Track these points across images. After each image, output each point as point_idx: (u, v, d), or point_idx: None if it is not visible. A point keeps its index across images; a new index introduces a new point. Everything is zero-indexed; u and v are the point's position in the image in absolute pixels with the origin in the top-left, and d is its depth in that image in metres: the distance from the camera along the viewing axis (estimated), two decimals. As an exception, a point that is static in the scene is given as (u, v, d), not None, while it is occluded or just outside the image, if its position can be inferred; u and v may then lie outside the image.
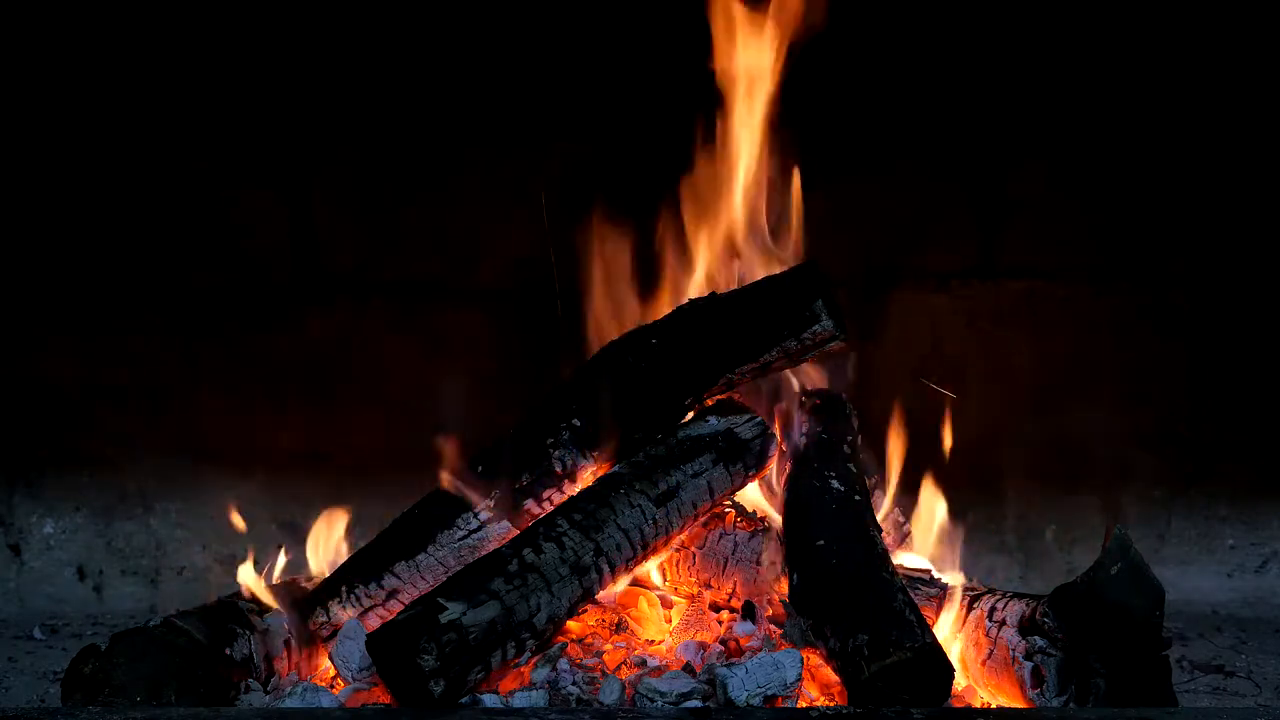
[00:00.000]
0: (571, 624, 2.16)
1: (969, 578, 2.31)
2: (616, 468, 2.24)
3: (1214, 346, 3.11)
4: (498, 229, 3.05)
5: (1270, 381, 3.12)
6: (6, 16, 2.94)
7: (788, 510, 2.26)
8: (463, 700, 1.92)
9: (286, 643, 2.18)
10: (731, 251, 2.53)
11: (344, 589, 2.26)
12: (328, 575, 2.33)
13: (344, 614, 2.24)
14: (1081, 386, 3.10)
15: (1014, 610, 2.05)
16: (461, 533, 2.25)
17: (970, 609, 2.14)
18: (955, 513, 2.44)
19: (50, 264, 3.06)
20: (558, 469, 2.28)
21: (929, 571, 2.30)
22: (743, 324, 2.27)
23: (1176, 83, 3.03)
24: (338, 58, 3.01)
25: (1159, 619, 1.92)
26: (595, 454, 2.28)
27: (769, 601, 2.27)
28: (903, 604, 1.95)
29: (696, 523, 2.29)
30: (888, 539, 2.29)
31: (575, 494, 2.23)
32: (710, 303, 2.34)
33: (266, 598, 2.22)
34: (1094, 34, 3.01)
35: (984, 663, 2.07)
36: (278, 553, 2.42)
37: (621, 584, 2.26)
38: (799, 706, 1.94)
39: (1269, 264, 3.09)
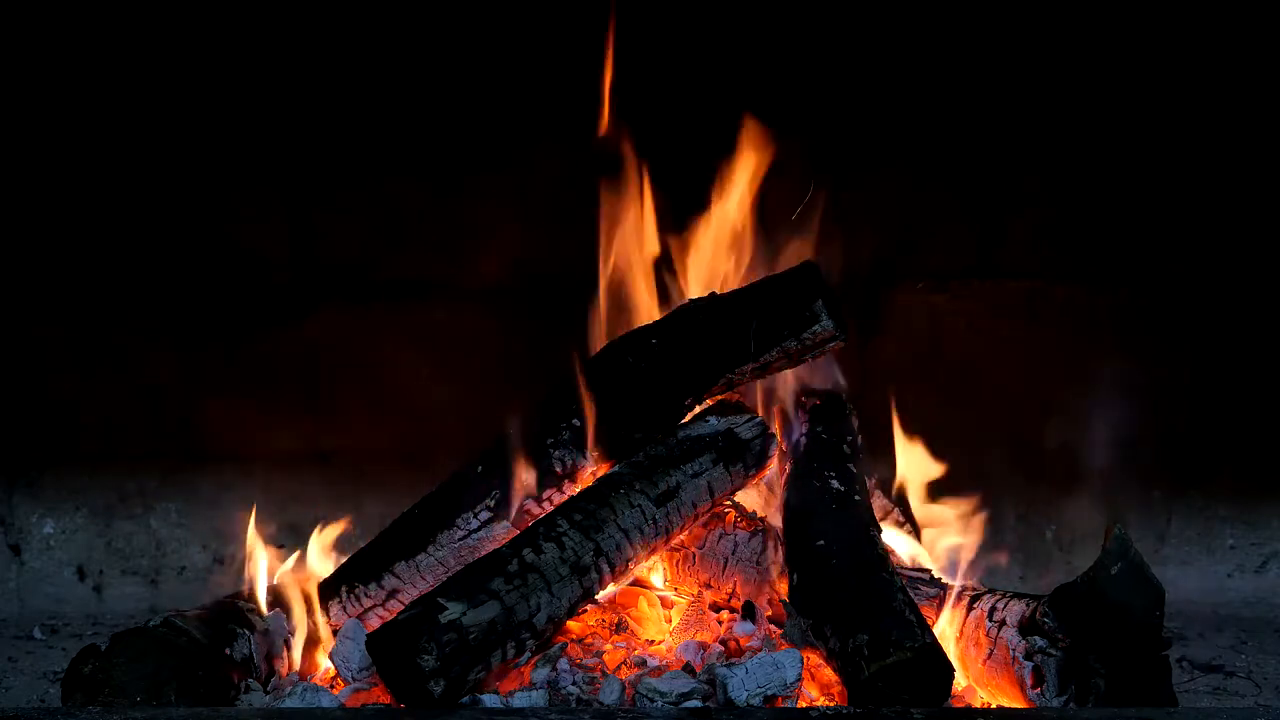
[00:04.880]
0: (571, 624, 2.16)
1: (970, 578, 2.31)
2: (616, 468, 2.24)
3: (1214, 347, 3.11)
4: (497, 228, 3.05)
5: (1270, 382, 3.12)
6: (15, 21, 2.94)
7: (788, 510, 2.26)
8: (463, 700, 1.92)
9: (286, 643, 2.18)
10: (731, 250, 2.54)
11: (344, 589, 2.26)
12: (328, 575, 2.33)
13: (344, 614, 2.24)
14: (1081, 386, 3.10)
15: (1014, 610, 2.05)
16: (461, 533, 2.25)
17: (970, 609, 2.14)
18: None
19: (50, 264, 3.06)
20: (558, 469, 2.28)
21: (929, 571, 2.31)
22: (743, 324, 2.27)
23: (1177, 85, 3.02)
24: (337, 58, 3.01)
25: (1159, 619, 1.92)
26: (595, 454, 2.28)
27: (769, 601, 2.27)
28: (903, 604, 1.96)
29: (696, 523, 2.29)
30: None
31: (575, 494, 2.23)
32: (710, 303, 2.34)
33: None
34: (1094, 36, 3.01)
35: (984, 663, 2.07)
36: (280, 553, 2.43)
37: (621, 584, 2.26)
38: (799, 706, 1.94)
39: (1268, 265, 3.09)
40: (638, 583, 2.33)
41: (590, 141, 2.58)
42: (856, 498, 2.24)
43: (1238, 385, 3.13)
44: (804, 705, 1.96)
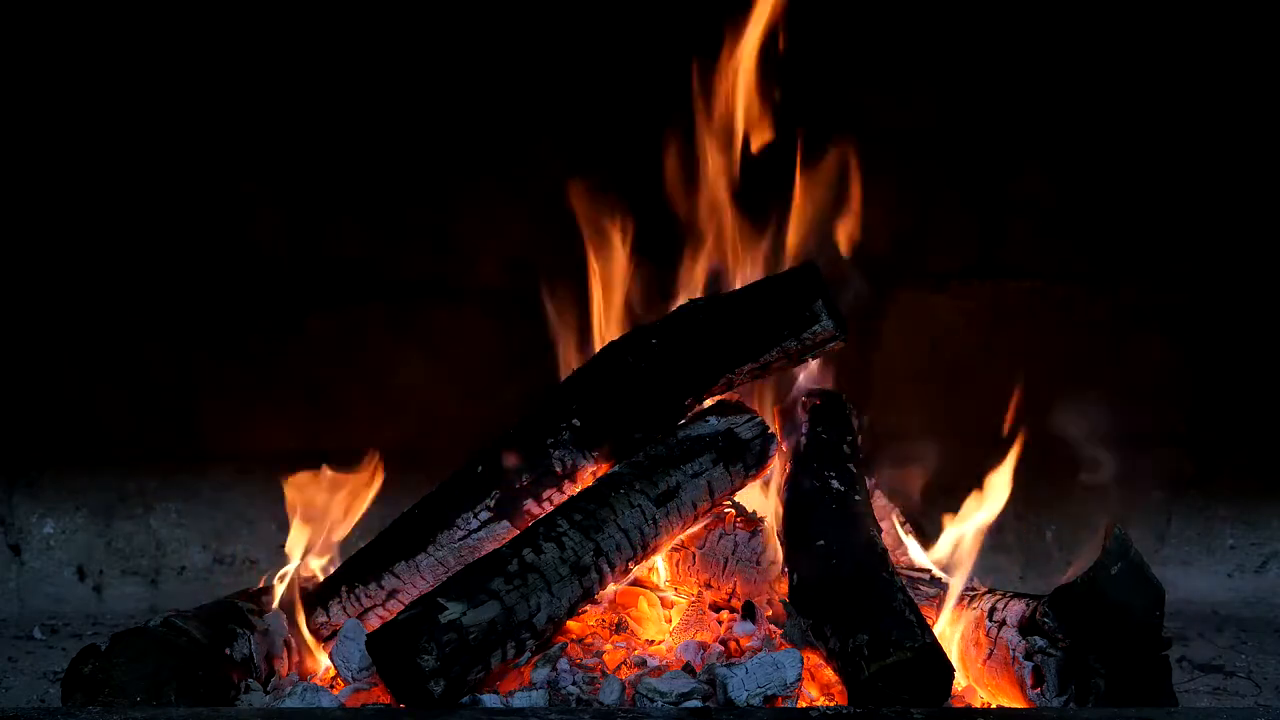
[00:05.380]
0: (571, 624, 2.16)
1: (970, 578, 2.31)
2: (616, 468, 2.24)
3: (1214, 347, 3.11)
4: (497, 228, 3.05)
5: (1270, 382, 3.12)
6: (15, 21, 2.95)
7: (788, 510, 2.26)
8: (463, 700, 1.93)
9: (286, 643, 2.18)
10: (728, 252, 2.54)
11: (344, 589, 2.26)
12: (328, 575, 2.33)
13: (344, 614, 2.24)
14: (1081, 386, 3.10)
15: (1014, 610, 2.05)
16: (461, 533, 2.25)
17: (970, 609, 2.14)
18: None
19: (50, 264, 3.06)
20: (558, 469, 2.28)
21: (929, 571, 2.31)
22: (743, 324, 2.27)
23: (1178, 85, 3.02)
24: (337, 59, 3.01)
25: (1159, 619, 1.92)
26: (595, 454, 2.28)
27: (769, 601, 2.27)
28: (902, 604, 1.96)
29: (696, 523, 2.29)
30: (888, 539, 2.29)
31: (575, 494, 2.23)
32: (710, 303, 2.34)
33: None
34: (1095, 35, 3.01)
35: (984, 663, 2.07)
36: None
37: (621, 584, 2.26)
38: (799, 706, 1.94)
39: (1269, 265, 3.09)
40: (638, 583, 2.33)
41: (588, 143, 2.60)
42: (856, 498, 2.24)
43: (1238, 385, 3.13)
44: (804, 705, 1.96)
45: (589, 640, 2.17)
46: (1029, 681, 1.96)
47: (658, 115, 2.67)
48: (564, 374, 2.46)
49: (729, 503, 2.35)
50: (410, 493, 2.39)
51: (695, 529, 2.31)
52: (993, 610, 2.09)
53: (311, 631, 2.23)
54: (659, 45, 2.95)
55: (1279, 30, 2.98)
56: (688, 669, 2.05)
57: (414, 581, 2.23)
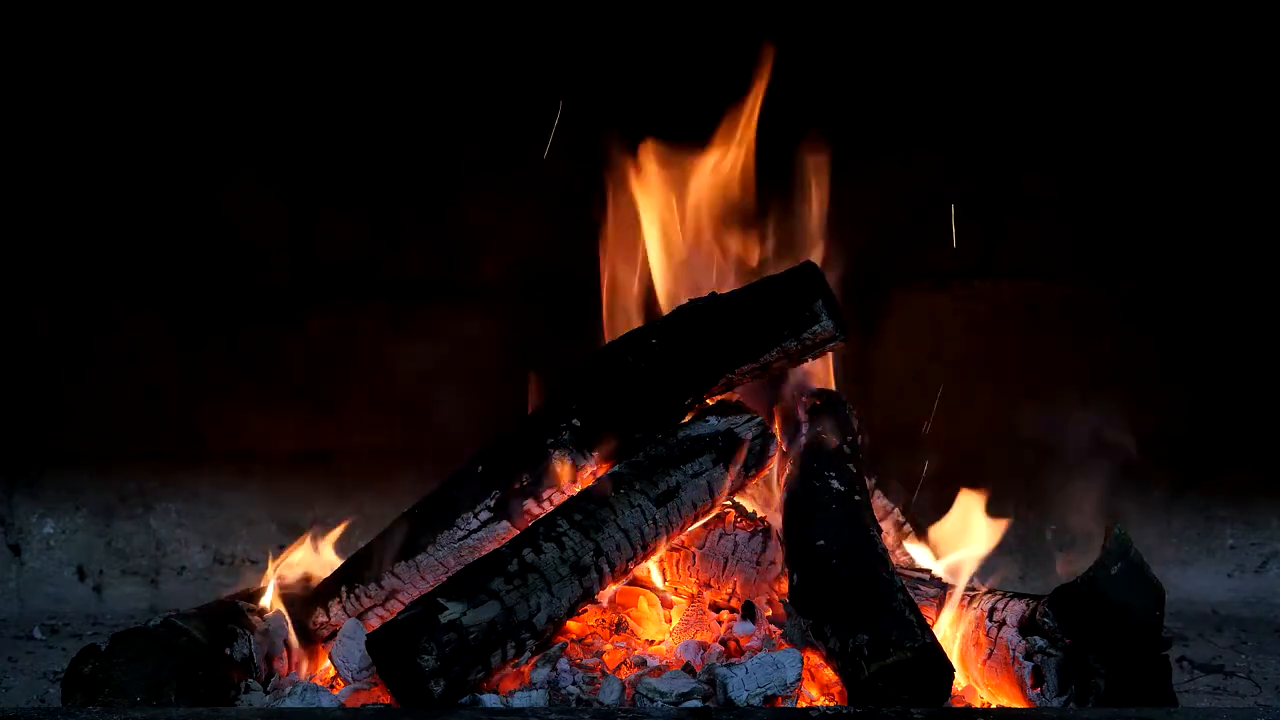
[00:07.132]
0: (571, 624, 2.16)
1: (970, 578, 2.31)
2: (616, 468, 2.24)
3: (1214, 346, 3.11)
4: (498, 228, 3.05)
5: (1270, 382, 3.12)
6: (14, 17, 2.95)
7: (788, 510, 2.26)
8: (463, 700, 1.93)
9: (286, 643, 2.18)
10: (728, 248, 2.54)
11: (344, 589, 2.26)
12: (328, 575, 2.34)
13: (344, 614, 2.24)
14: (1081, 386, 3.10)
15: (1014, 610, 2.05)
16: (461, 533, 2.25)
17: (970, 609, 2.14)
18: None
19: (50, 263, 3.06)
20: (558, 469, 2.28)
21: (929, 571, 2.31)
22: (743, 324, 2.27)
23: (1177, 85, 3.02)
24: (338, 57, 3.01)
25: (1159, 619, 1.92)
26: (595, 454, 2.28)
27: (769, 601, 2.27)
28: (902, 604, 1.96)
29: (696, 523, 2.29)
30: (888, 539, 2.29)
31: (575, 494, 2.23)
32: (710, 303, 2.34)
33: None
34: (1095, 36, 3.01)
35: (984, 663, 2.07)
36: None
37: (621, 584, 2.26)
38: (799, 706, 1.94)
39: (1268, 265, 3.09)
40: (638, 583, 2.33)
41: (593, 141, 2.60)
42: (856, 498, 2.24)
43: (1238, 385, 3.13)
44: (804, 705, 1.96)
45: (589, 640, 2.17)
46: (1029, 681, 1.96)
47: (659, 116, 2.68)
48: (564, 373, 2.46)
49: (729, 503, 2.35)
50: (410, 493, 2.39)
51: (695, 529, 2.31)
52: (993, 610, 2.09)
53: (311, 631, 2.24)
54: (661, 44, 2.95)
55: (1275, 31, 2.98)
56: (688, 669, 2.05)
57: (414, 581, 2.24)
